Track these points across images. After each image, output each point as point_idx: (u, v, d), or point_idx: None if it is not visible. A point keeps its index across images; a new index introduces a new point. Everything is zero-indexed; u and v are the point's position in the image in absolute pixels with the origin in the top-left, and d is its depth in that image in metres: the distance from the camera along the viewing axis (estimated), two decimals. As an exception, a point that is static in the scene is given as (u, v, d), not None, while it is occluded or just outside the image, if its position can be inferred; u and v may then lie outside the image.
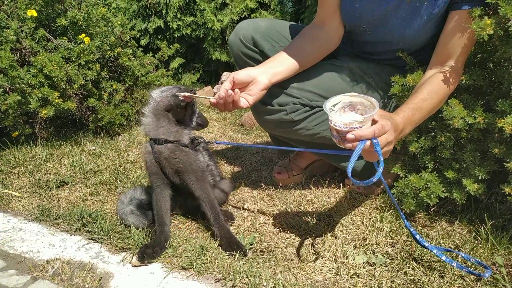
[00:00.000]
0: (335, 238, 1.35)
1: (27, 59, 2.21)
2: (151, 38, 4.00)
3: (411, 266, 1.18)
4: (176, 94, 1.38)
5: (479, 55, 1.36)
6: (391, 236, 1.33)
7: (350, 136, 0.94)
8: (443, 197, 1.31)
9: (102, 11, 2.43)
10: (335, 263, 1.22)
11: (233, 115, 3.09)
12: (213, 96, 1.28)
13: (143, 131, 1.47)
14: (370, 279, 1.14)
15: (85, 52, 2.28)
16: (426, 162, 1.36)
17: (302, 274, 1.18)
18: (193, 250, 1.28)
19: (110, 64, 2.62)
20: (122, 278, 1.20)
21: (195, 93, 1.39)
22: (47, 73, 2.09)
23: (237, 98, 1.25)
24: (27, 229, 1.48)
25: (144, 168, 2.02)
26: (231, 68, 3.96)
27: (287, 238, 1.39)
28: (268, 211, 1.58)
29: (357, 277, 1.16)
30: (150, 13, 3.88)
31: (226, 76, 3.40)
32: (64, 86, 2.19)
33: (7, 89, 2.05)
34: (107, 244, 1.36)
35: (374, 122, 0.97)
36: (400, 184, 1.38)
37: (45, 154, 2.13)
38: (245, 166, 2.07)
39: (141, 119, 1.47)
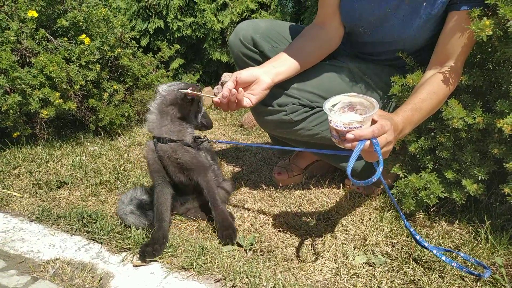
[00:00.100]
0: (335, 238, 1.35)
1: (27, 60, 2.22)
2: (151, 39, 4.00)
3: (411, 266, 1.18)
4: (180, 90, 1.41)
5: (478, 56, 1.36)
6: (391, 237, 1.34)
7: (349, 136, 0.94)
8: (443, 197, 1.31)
9: (102, 12, 2.44)
10: (335, 263, 1.23)
11: (233, 116, 3.09)
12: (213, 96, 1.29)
13: (147, 127, 1.49)
14: (370, 279, 1.15)
15: (85, 53, 2.29)
16: (426, 163, 1.37)
17: (302, 274, 1.18)
18: (193, 251, 1.28)
19: (111, 64, 2.62)
20: (122, 278, 1.20)
21: (200, 89, 1.43)
22: (48, 73, 2.10)
23: (240, 97, 1.25)
24: (27, 230, 1.48)
25: (145, 166, 2.03)
26: (231, 68, 3.96)
27: (287, 239, 1.39)
28: (268, 212, 1.58)
29: (357, 277, 1.16)
30: (150, 14, 3.89)
31: (226, 77, 3.41)
32: (64, 87, 2.19)
33: (8, 90, 2.06)
34: (108, 245, 1.36)
35: (373, 122, 0.97)
36: (399, 184, 1.38)
37: (45, 155, 2.14)
38: (245, 167, 2.07)
39: (146, 115, 1.49)
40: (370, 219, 1.45)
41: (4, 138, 2.29)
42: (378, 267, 1.19)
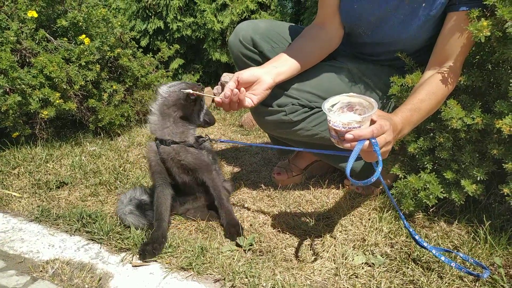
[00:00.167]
0: (334, 238, 1.36)
1: (27, 60, 2.22)
2: (151, 39, 4.00)
3: (410, 267, 1.18)
4: (182, 90, 1.40)
5: (477, 56, 1.36)
6: (390, 237, 1.34)
7: (348, 136, 0.94)
8: (442, 197, 1.31)
9: (102, 12, 2.44)
10: (334, 263, 1.23)
11: (232, 116, 3.09)
12: (213, 96, 1.29)
13: (149, 129, 1.48)
14: (369, 280, 1.15)
15: (85, 53, 2.29)
16: (425, 163, 1.37)
17: (301, 275, 1.18)
18: (192, 251, 1.28)
19: (110, 64, 2.62)
20: (121, 278, 1.20)
21: (202, 88, 1.43)
22: (48, 74, 2.10)
23: (242, 97, 1.25)
24: (27, 230, 1.48)
25: (145, 166, 2.03)
26: (231, 69, 3.96)
27: (286, 239, 1.39)
28: (268, 212, 1.58)
29: (356, 277, 1.16)
30: (150, 14, 3.89)
31: (226, 77, 3.41)
32: (64, 87, 2.19)
33: (8, 90, 2.06)
34: (107, 245, 1.36)
35: (372, 122, 0.97)
36: (399, 184, 1.38)
37: (45, 155, 2.14)
38: (244, 167, 2.07)
39: (148, 117, 1.49)
40: (369, 219, 1.45)
41: (4, 138, 2.29)
42: (377, 268, 1.19)
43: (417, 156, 1.39)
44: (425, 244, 1.14)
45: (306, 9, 3.44)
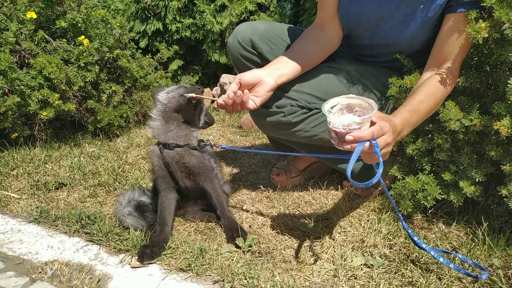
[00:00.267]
0: (333, 240, 1.36)
1: (26, 61, 2.22)
2: (150, 40, 4.00)
3: (408, 268, 1.19)
4: (184, 94, 1.40)
5: (475, 58, 1.37)
6: (389, 238, 1.34)
7: (348, 137, 0.94)
8: (440, 199, 1.32)
9: (101, 13, 2.44)
10: (333, 265, 1.23)
11: (231, 117, 3.09)
12: (213, 97, 1.29)
13: (151, 134, 1.47)
14: (368, 281, 1.15)
15: (84, 54, 2.29)
16: (423, 164, 1.37)
17: (300, 276, 1.18)
18: (191, 252, 1.28)
19: (109, 65, 2.62)
20: (120, 279, 1.20)
21: (202, 91, 1.42)
22: (47, 74, 2.10)
23: (245, 99, 1.25)
24: (25, 231, 1.48)
25: (144, 167, 2.03)
26: (230, 70, 3.97)
27: (285, 240, 1.39)
28: (267, 213, 1.58)
29: (355, 279, 1.16)
30: (149, 15, 3.89)
31: (225, 78, 3.41)
32: (63, 88, 2.19)
33: (7, 91, 2.06)
34: (106, 246, 1.36)
35: (372, 124, 0.97)
36: (397, 186, 1.39)
37: (43, 156, 2.13)
38: (243, 168, 2.07)
39: (149, 122, 1.47)
40: (368, 220, 1.45)
41: (3, 139, 2.29)
42: (376, 269, 1.20)
43: (415, 158, 1.40)
44: (423, 246, 1.14)
45: (305, 11, 3.45)
